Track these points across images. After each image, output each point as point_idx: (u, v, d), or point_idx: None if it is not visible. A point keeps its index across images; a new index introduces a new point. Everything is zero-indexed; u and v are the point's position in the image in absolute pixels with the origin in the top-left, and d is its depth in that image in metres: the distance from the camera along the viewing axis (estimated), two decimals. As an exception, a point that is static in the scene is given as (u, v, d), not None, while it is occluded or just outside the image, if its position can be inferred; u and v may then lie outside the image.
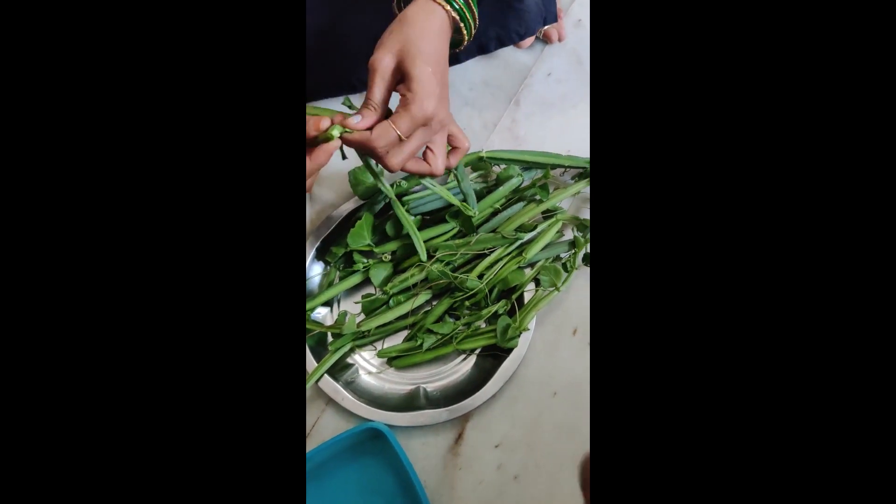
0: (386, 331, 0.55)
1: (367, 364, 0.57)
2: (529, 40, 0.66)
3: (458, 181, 0.55)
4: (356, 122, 0.41)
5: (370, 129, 0.41)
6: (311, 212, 0.62)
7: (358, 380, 0.56)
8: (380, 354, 0.56)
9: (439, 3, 0.42)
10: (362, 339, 0.55)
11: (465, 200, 0.56)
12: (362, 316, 0.56)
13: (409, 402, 0.54)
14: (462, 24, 0.44)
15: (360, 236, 0.55)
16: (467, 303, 0.53)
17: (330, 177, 0.63)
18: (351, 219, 0.57)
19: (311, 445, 0.53)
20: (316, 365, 0.53)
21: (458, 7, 0.42)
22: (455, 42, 0.46)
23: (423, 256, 0.53)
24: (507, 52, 0.67)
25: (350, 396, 0.53)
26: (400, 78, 0.41)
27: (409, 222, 0.53)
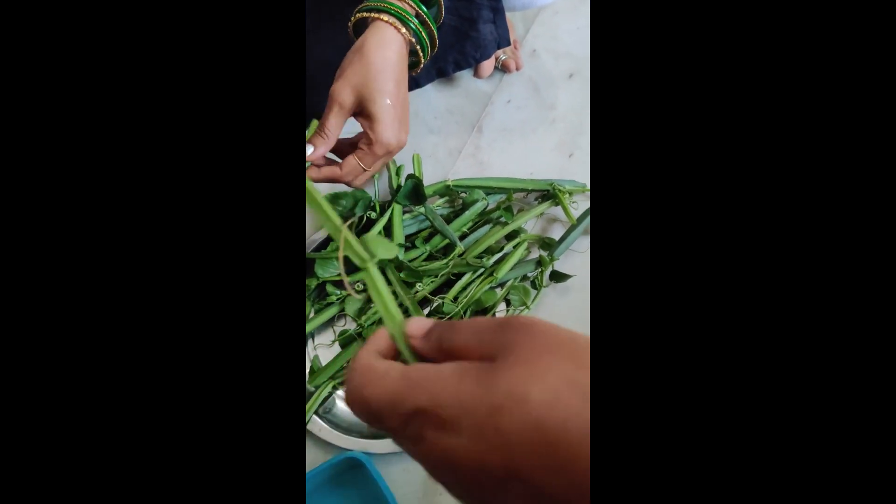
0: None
1: (343, 392, 0.57)
2: (489, 69, 0.69)
3: (430, 220, 0.57)
4: (310, 152, 0.43)
5: (335, 163, 0.43)
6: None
7: (335, 409, 0.55)
8: None
9: (394, 27, 0.43)
10: (342, 372, 0.55)
11: (435, 233, 0.57)
12: (338, 348, 0.56)
13: (387, 429, 0.54)
14: (419, 46, 0.46)
15: (330, 266, 0.56)
16: (441, 326, 0.54)
17: (299, 208, 0.64)
18: (322, 249, 0.58)
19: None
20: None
21: (414, 27, 0.44)
22: (412, 63, 0.49)
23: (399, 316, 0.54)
24: (469, 82, 0.70)
25: (327, 427, 0.53)
26: (360, 110, 0.43)
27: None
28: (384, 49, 0.43)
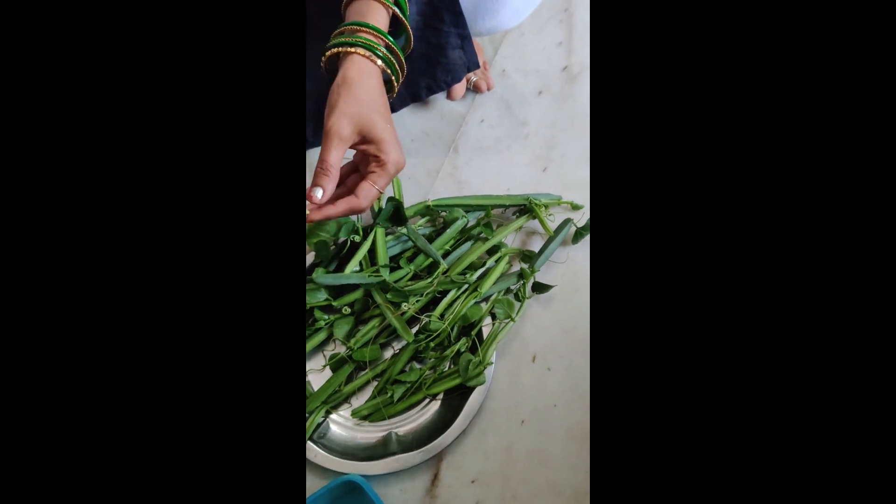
0: (355, 386, 0.56)
1: (338, 416, 0.57)
2: (461, 91, 0.71)
3: (412, 240, 0.58)
4: (319, 196, 0.45)
5: (354, 194, 0.46)
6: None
7: (329, 434, 0.56)
8: (353, 414, 0.56)
9: (369, 59, 0.45)
10: (334, 396, 0.55)
11: (419, 253, 0.59)
12: (329, 372, 0.57)
13: (383, 449, 0.55)
14: (392, 75, 0.48)
15: (317, 292, 0.57)
16: (432, 344, 0.55)
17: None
18: (307, 275, 0.59)
19: (287, 508, 0.53)
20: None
21: (383, 57, 0.46)
22: (387, 90, 0.51)
23: (409, 338, 0.55)
24: (443, 104, 0.72)
25: (322, 452, 0.53)
26: (361, 138, 0.45)
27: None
28: (367, 78, 0.44)
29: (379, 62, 0.45)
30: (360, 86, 0.44)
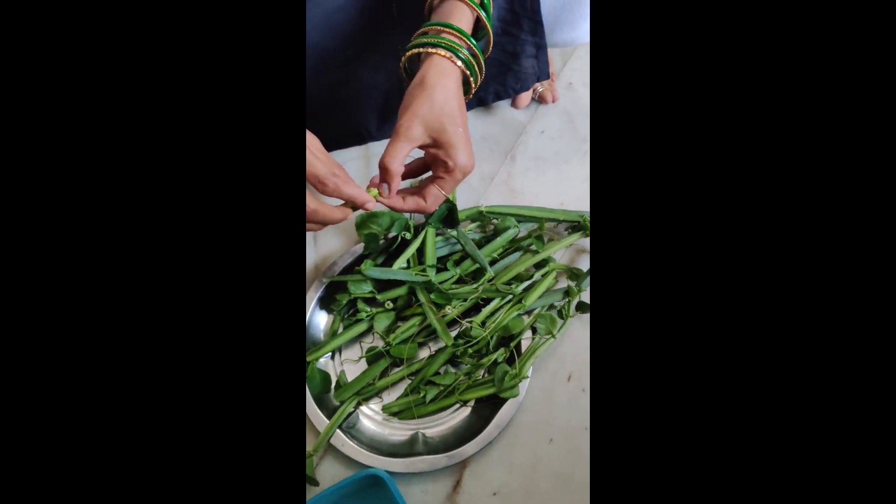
0: (389, 381, 0.57)
1: (368, 409, 0.57)
2: (527, 100, 0.70)
3: (461, 244, 0.58)
4: (386, 194, 0.46)
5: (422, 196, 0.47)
6: (316, 258, 0.64)
7: (358, 424, 0.56)
8: (384, 409, 0.56)
9: (450, 60, 0.45)
10: (367, 388, 0.56)
11: (466, 258, 0.59)
12: (364, 364, 0.57)
13: (409, 448, 0.55)
14: (470, 77, 0.48)
15: (362, 283, 0.57)
16: (470, 350, 0.55)
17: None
18: (355, 265, 0.59)
19: (310, 493, 0.53)
20: (319, 414, 0.54)
21: (465, 59, 0.46)
22: (463, 91, 0.51)
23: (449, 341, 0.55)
24: (505, 111, 0.72)
25: (350, 442, 0.53)
26: (431, 141, 0.45)
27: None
28: (445, 80, 0.44)
29: (459, 63, 0.45)
30: (438, 88, 0.44)
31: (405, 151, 0.44)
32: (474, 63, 0.47)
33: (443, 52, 0.44)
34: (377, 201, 0.46)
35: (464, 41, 0.46)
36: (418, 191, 0.48)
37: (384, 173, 0.45)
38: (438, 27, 0.45)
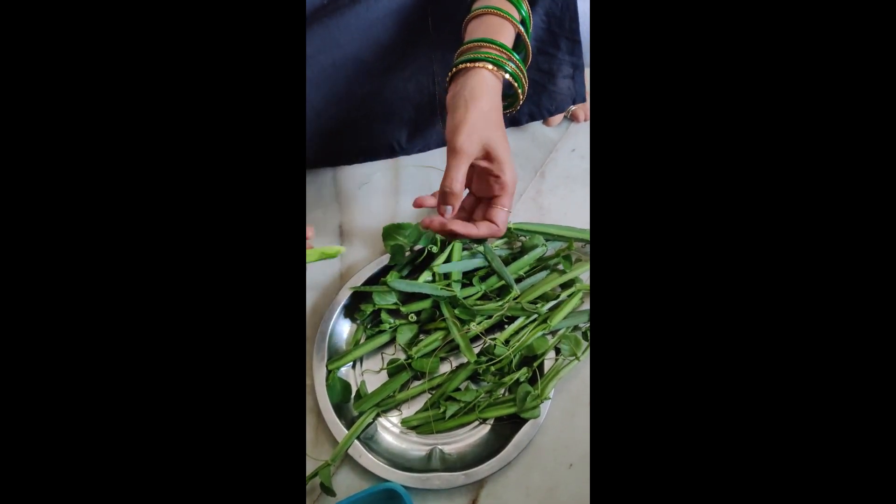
0: (409, 394, 0.56)
1: (387, 422, 0.57)
2: (558, 119, 0.70)
3: (488, 261, 0.58)
4: (449, 214, 0.46)
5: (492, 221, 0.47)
6: (341, 266, 0.64)
7: (376, 436, 0.56)
8: (403, 423, 0.56)
9: (494, 73, 0.45)
10: (387, 400, 0.56)
11: (492, 274, 0.58)
12: (385, 376, 0.57)
13: (426, 464, 0.54)
14: (518, 89, 0.47)
15: (387, 295, 0.57)
16: (492, 368, 0.55)
17: (361, 233, 0.66)
18: (380, 276, 0.59)
19: None
20: (338, 423, 0.54)
21: (511, 72, 0.46)
22: (509, 105, 0.50)
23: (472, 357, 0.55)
24: (536, 127, 0.72)
25: (367, 453, 0.53)
26: (483, 155, 0.45)
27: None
28: (490, 94, 0.44)
29: (507, 76, 0.45)
30: (485, 100, 0.44)
31: (466, 169, 0.44)
32: (521, 76, 0.47)
33: (489, 65, 0.44)
34: (453, 231, 0.46)
35: (508, 55, 0.46)
36: (480, 214, 0.48)
37: (449, 197, 0.45)
38: (481, 43, 0.45)
